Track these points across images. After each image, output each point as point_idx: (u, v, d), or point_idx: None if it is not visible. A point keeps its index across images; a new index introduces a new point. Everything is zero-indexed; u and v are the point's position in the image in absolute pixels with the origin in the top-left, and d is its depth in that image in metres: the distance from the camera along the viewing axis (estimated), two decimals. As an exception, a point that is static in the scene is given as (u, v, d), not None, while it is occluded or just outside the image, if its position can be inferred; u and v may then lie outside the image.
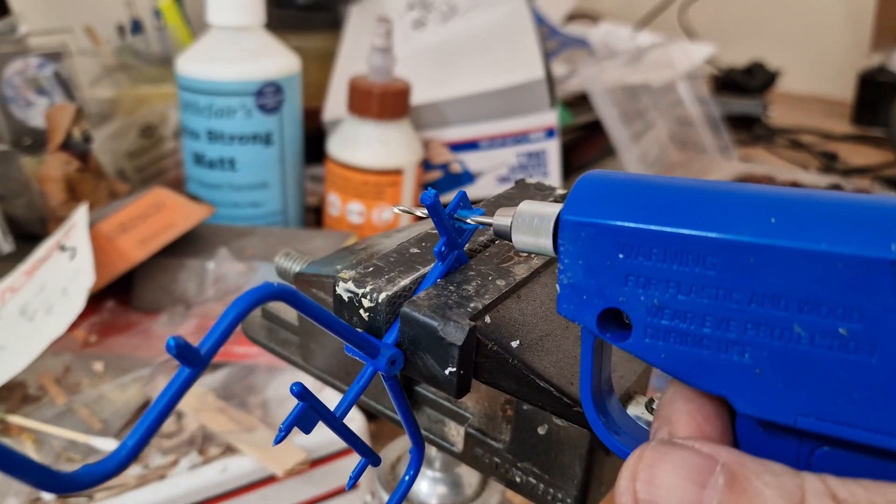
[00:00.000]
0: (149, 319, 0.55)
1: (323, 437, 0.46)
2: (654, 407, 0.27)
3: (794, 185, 0.85)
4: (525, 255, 0.28)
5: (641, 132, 0.89)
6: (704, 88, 1.12)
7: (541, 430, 0.28)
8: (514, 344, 0.26)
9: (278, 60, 0.62)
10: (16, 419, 0.46)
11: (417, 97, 0.69)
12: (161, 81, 0.80)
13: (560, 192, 0.34)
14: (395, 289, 0.26)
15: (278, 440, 0.23)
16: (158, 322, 0.54)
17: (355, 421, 0.47)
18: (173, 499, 0.42)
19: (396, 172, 0.64)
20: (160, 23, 0.86)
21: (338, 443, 0.46)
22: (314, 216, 0.76)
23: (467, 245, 0.29)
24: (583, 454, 0.27)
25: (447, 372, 0.25)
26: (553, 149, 0.72)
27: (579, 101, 1.05)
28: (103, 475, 0.19)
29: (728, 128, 1.09)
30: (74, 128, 0.64)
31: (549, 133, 0.71)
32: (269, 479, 0.44)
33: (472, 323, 0.24)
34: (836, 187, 0.88)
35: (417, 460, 0.29)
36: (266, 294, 0.21)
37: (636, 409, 0.27)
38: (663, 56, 1.02)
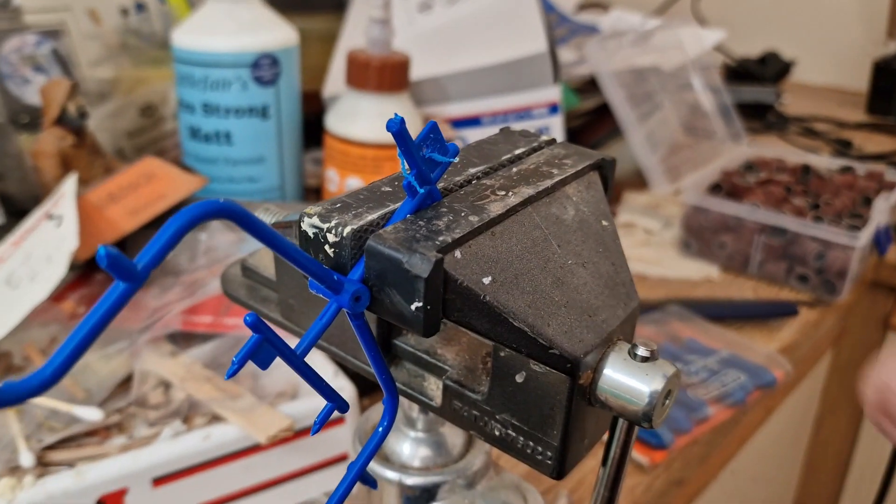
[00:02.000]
0: (142, 290, 0.54)
1: (309, 405, 0.44)
2: (639, 353, 0.25)
3: (805, 168, 0.83)
4: (502, 193, 0.27)
5: (648, 114, 0.87)
6: (717, 77, 1.10)
7: (518, 378, 0.27)
8: (486, 280, 0.24)
9: (275, 32, 0.61)
10: (-1, 387, 0.45)
11: (418, 72, 0.68)
12: (162, 62, 0.79)
13: (545, 138, 0.32)
14: (362, 223, 0.25)
15: (230, 374, 0.22)
16: (149, 294, 0.54)
17: (345, 391, 0.46)
18: (155, 465, 0.41)
19: (395, 147, 0.63)
20: (164, 5, 0.85)
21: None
22: (315, 197, 0.75)
23: (441, 183, 0.27)
24: (562, 402, 0.26)
25: (413, 307, 0.24)
26: (557, 125, 0.70)
27: (588, 87, 1.04)
28: (26, 391, 0.18)
29: (740, 115, 1.07)
30: (69, 103, 0.63)
31: (553, 109, 0.70)
32: (254, 448, 0.43)
33: (440, 255, 0.23)
34: (848, 170, 0.86)
35: (391, 409, 0.28)
36: (209, 209, 0.20)
37: (618, 356, 0.26)
38: (672, 38, 1.01)
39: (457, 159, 0.29)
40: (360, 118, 0.63)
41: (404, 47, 0.69)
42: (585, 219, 0.28)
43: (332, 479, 0.46)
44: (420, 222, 0.25)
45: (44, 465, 0.42)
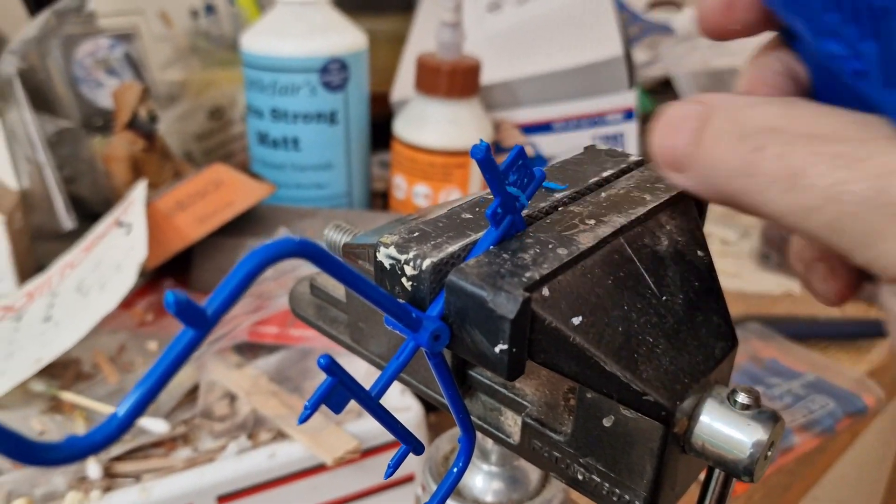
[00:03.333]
0: (206, 300, 0.53)
1: (376, 425, 0.43)
2: (739, 399, 0.23)
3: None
4: (591, 222, 0.25)
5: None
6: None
7: (606, 422, 0.25)
8: (576, 320, 0.22)
9: (344, 36, 0.60)
10: (68, 396, 0.45)
11: (489, 77, 0.66)
12: (231, 65, 0.79)
13: (634, 158, 0.30)
14: (442, 255, 0.23)
15: (302, 419, 0.21)
16: (216, 303, 0.53)
17: (412, 410, 0.45)
18: (220, 483, 0.40)
19: (465, 154, 0.61)
20: (233, 7, 0.85)
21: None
22: (381, 202, 0.74)
23: (526, 210, 0.26)
24: (654, 450, 0.24)
25: (497, 349, 0.22)
26: (632, 132, 0.68)
27: (661, 88, 1.00)
28: (89, 448, 0.17)
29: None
30: (141, 107, 0.63)
31: (628, 115, 0.67)
32: (319, 468, 0.42)
33: (527, 294, 0.21)
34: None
35: (467, 450, 0.26)
36: (283, 249, 0.18)
37: (716, 402, 0.24)
38: (751, 39, 0.96)
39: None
40: (429, 124, 0.61)
41: (473, 48, 0.67)
42: (680, 250, 0.26)
43: (397, 500, 0.45)
44: (504, 255, 0.23)
45: (110, 477, 0.42)
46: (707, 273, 0.27)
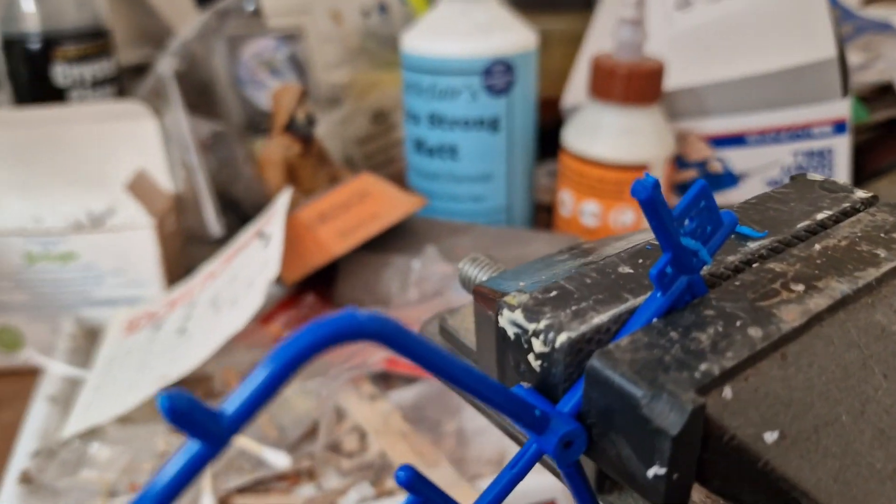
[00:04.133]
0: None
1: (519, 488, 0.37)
2: None
3: None
4: (799, 289, 0.18)
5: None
6: None
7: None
8: (770, 437, 0.16)
9: (510, 36, 0.55)
10: (194, 416, 0.43)
11: (674, 81, 0.59)
12: (397, 66, 0.75)
13: (861, 195, 0.22)
14: (585, 328, 0.17)
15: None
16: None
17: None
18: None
19: (641, 168, 0.54)
20: (405, 6, 0.82)
21: (532, 495, 0.37)
22: (546, 217, 0.68)
23: (708, 268, 0.19)
24: None
25: (651, 474, 0.15)
26: (843, 148, 0.57)
27: (877, 95, 0.87)
28: None
29: None
30: (298, 110, 0.61)
31: (839, 127, 0.57)
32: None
33: (702, 400, 0.15)
34: None
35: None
36: (345, 329, 0.13)
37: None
38: None
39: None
40: (601, 134, 0.55)
41: (658, 50, 0.60)
42: (932, 332, 0.19)
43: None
44: (672, 333, 0.17)
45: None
46: (972, 368, 0.19)
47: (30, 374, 0.49)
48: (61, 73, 0.63)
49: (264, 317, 0.50)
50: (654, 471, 0.15)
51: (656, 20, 0.66)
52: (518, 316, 0.18)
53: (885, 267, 0.19)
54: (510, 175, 0.58)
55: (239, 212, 0.61)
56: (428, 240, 0.51)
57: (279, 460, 0.40)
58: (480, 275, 0.28)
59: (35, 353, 0.50)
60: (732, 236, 0.20)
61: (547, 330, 0.17)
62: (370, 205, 0.49)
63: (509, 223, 0.60)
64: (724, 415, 0.15)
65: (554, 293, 0.18)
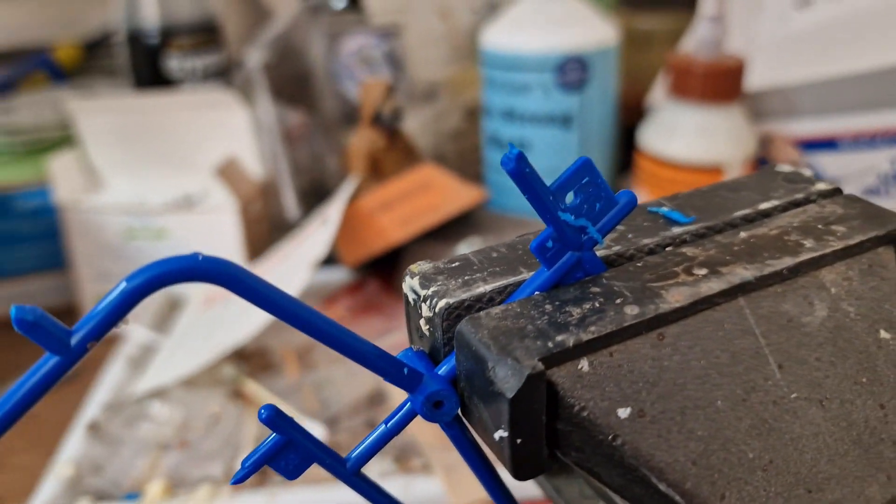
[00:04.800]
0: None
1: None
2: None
3: None
4: (701, 272, 0.18)
5: None
6: None
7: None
8: (624, 413, 0.16)
9: (586, 31, 0.54)
10: (248, 385, 0.46)
11: (761, 80, 0.56)
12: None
13: (823, 186, 0.21)
14: (465, 296, 0.17)
15: (235, 480, 0.17)
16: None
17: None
18: (341, 503, 0.37)
19: (716, 170, 0.52)
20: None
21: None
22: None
23: (617, 247, 0.19)
24: None
25: (497, 436, 0.16)
26: (949, 155, 0.53)
27: None
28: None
29: None
30: (385, 104, 0.63)
31: (945, 133, 0.53)
32: (458, 510, 0.37)
33: (541, 366, 0.15)
34: None
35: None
36: (177, 268, 0.14)
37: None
38: None
39: (670, 213, 0.20)
40: (676, 133, 0.53)
41: (771, 52, 0.57)
42: (846, 325, 0.18)
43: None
44: (547, 306, 0.17)
45: (263, 473, 0.41)
46: (889, 367, 0.18)
47: (116, 339, 0.54)
48: (176, 64, 0.68)
49: (329, 299, 0.53)
50: (500, 433, 0.16)
51: (772, 19, 0.63)
52: (415, 282, 0.18)
53: (804, 256, 0.18)
54: (584, 173, 0.58)
55: (326, 201, 0.64)
56: (493, 233, 0.52)
57: (314, 430, 0.42)
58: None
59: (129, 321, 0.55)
60: (661, 220, 0.20)
61: (433, 296, 0.18)
62: (431, 195, 0.51)
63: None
64: (577, 386, 0.16)
65: (456, 264, 0.19)
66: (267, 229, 0.61)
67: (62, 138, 0.65)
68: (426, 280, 0.18)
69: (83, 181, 0.60)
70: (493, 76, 0.57)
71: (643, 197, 0.56)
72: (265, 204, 0.60)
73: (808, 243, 0.18)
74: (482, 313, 0.17)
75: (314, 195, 0.65)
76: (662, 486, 0.15)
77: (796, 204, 0.21)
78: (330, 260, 0.54)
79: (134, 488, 0.40)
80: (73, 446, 0.41)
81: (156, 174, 0.61)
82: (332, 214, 0.48)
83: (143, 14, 0.67)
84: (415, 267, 0.19)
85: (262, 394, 0.45)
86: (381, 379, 0.46)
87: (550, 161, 0.57)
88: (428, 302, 0.18)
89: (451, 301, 0.17)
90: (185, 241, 0.57)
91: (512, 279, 0.18)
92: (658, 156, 0.55)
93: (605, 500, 0.22)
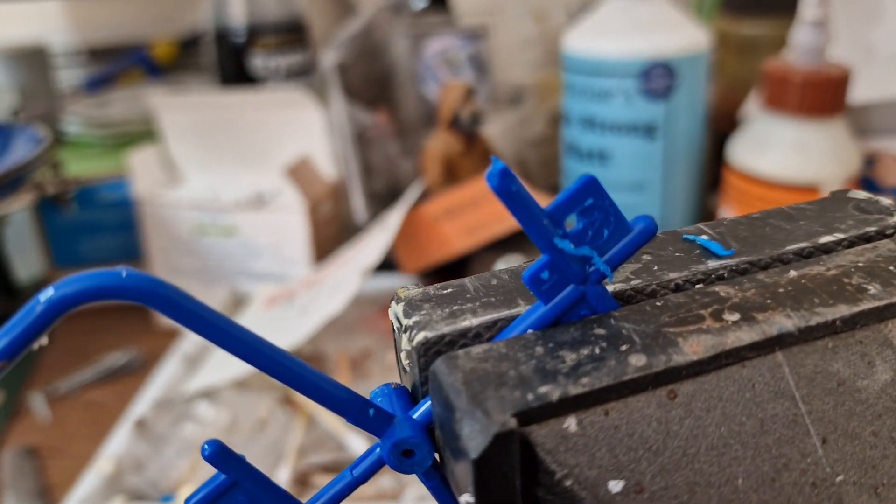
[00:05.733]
0: None
1: None
2: None
3: None
4: (733, 318, 0.15)
5: None
6: None
7: None
8: (615, 486, 0.13)
9: (673, 35, 0.51)
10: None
11: (871, 92, 0.51)
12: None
13: (903, 218, 0.18)
14: (447, 330, 0.15)
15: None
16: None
17: None
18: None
19: (811, 189, 0.48)
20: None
21: None
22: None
23: (636, 281, 0.16)
24: None
25: (463, 500, 0.13)
26: None
27: None
28: None
29: None
30: (464, 107, 0.61)
31: None
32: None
33: (513, 423, 0.13)
34: None
35: None
36: (98, 288, 0.13)
37: None
38: None
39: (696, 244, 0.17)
40: (769, 148, 0.49)
41: (887, 62, 0.52)
42: (913, 394, 0.14)
43: None
44: (537, 349, 0.14)
45: (301, 485, 0.40)
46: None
47: (176, 334, 0.54)
48: (261, 63, 0.68)
49: (387, 306, 0.51)
50: (465, 498, 0.13)
51: (889, 28, 0.58)
52: (399, 309, 0.16)
53: (865, 305, 0.15)
54: (666, 186, 0.54)
55: (386, 205, 0.63)
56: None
57: (355, 443, 0.40)
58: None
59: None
60: (697, 251, 0.17)
61: (414, 326, 0.15)
62: (497, 205, 0.48)
63: (666, 238, 0.56)
64: (560, 448, 0.13)
65: (448, 290, 0.17)
66: (336, 231, 0.60)
67: (148, 132, 0.66)
68: (410, 308, 0.16)
69: (161, 175, 0.61)
70: (573, 81, 0.54)
71: (732, 216, 0.52)
72: (335, 205, 0.59)
73: (873, 289, 0.15)
74: (461, 352, 0.14)
75: (389, 198, 0.64)
76: (654, 581, 0.13)
77: (866, 239, 0.17)
78: (390, 266, 0.53)
79: (172, 490, 0.39)
80: (119, 442, 0.41)
81: (231, 171, 0.61)
82: (391, 220, 0.46)
83: (231, 13, 0.67)
84: (402, 291, 0.17)
85: (307, 404, 0.44)
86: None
87: (633, 174, 0.54)
88: (408, 333, 0.16)
89: (430, 335, 0.15)
90: (254, 238, 0.56)
91: (505, 313, 0.16)
92: (748, 172, 0.50)
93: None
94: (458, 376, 0.14)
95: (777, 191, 0.49)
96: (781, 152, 0.49)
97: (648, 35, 0.51)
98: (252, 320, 0.52)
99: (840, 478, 0.14)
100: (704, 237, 0.18)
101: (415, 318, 0.16)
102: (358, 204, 0.58)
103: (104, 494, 0.38)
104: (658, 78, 0.51)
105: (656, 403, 0.14)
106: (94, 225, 0.63)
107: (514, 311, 0.16)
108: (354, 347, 0.48)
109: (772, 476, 0.13)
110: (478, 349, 0.14)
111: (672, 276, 0.16)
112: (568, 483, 0.13)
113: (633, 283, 0.16)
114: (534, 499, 0.14)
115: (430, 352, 0.15)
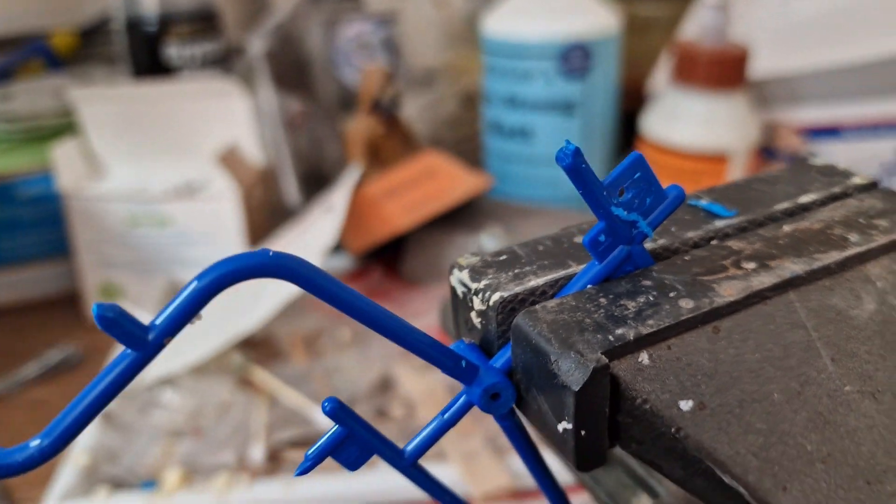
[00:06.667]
0: (411, 292, 0.51)
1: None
2: None
3: None
4: (750, 266, 0.18)
5: None
6: None
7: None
8: (686, 405, 0.16)
9: (589, 19, 0.54)
10: (256, 373, 0.46)
11: (765, 68, 0.57)
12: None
13: (858, 180, 0.22)
14: (519, 289, 0.18)
15: (299, 471, 0.17)
16: (420, 296, 0.51)
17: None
18: (364, 493, 0.37)
19: (720, 157, 0.53)
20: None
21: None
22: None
23: (662, 240, 0.19)
24: None
25: (560, 428, 0.16)
26: (949, 144, 0.54)
27: None
28: (12, 469, 0.15)
29: None
30: (384, 91, 0.63)
31: (945, 122, 0.53)
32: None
33: (605, 360, 0.15)
34: None
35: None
36: (250, 266, 0.14)
37: None
38: None
39: (704, 205, 0.20)
40: (680, 120, 0.54)
41: (775, 39, 0.58)
42: (894, 318, 0.18)
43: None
44: (601, 299, 0.17)
45: (274, 461, 0.41)
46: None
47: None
48: (175, 52, 0.67)
49: (334, 286, 0.53)
50: (563, 425, 0.16)
51: (770, 9, 0.63)
52: (465, 275, 0.18)
53: (851, 251, 0.18)
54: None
55: (326, 187, 0.64)
56: (497, 220, 0.52)
57: (324, 420, 0.42)
58: (493, 246, 0.29)
59: (131, 307, 0.55)
60: (702, 213, 0.20)
61: (486, 289, 0.18)
62: (437, 183, 0.51)
63: (585, 210, 0.60)
64: (638, 379, 0.16)
65: (503, 257, 0.19)
66: (268, 216, 0.61)
67: (61, 126, 0.64)
68: (476, 273, 0.18)
69: (85, 168, 0.60)
70: (494, 63, 0.57)
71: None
72: (266, 191, 0.60)
73: (853, 237, 0.19)
74: (538, 306, 0.17)
75: (314, 182, 0.65)
76: (727, 479, 0.16)
77: (835, 198, 0.21)
78: (334, 247, 0.54)
79: (149, 476, 0.40)
80: (88, 435, 0.41)
81: (158, 161, 0.60)
82: (337, 202, 0.47)
83: (142, 2, 0.66)
84: (462, 260, 0.19)
85: (270, 382, 0.45)
86: (389, 366, 0.46)
87: (552, 148, 0.57)
88: (480, 295, 0.18)
89: (505, 294, 0.17)
90: (188, 227, 0.57)
91: (562, 272, 0.18)
92: (661, 143, 0.55)
93: (644, 488, 0.22)
94: (544, 326, 0.16)
95: (689, 160, 0.54)
96: (691, 124, 0.54)
97: (566, 18, 0.54)
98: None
99: (847, 388, 0.17)
100: (705, 202, 0.21)
101: (485, 282, 0.18)
102: (291, 188, 0.59)
103: (85, 486, 0.38)
104: (576, 59, 0.54)
105: (706, 338, 0.17)
106: (14, 222, 0.61)
107: (569, 271, 0.18)
108: (305, 327, 0.50)
109: (797, 390, 0.17)
110: (551, 304, 0.17)
111: (689, 235, 0.19)
112: (646, 406, 0.16)
113: (660, 242, 0.19)
114: (614, 423, 0.16)
115: (506, 309, 0.17)
